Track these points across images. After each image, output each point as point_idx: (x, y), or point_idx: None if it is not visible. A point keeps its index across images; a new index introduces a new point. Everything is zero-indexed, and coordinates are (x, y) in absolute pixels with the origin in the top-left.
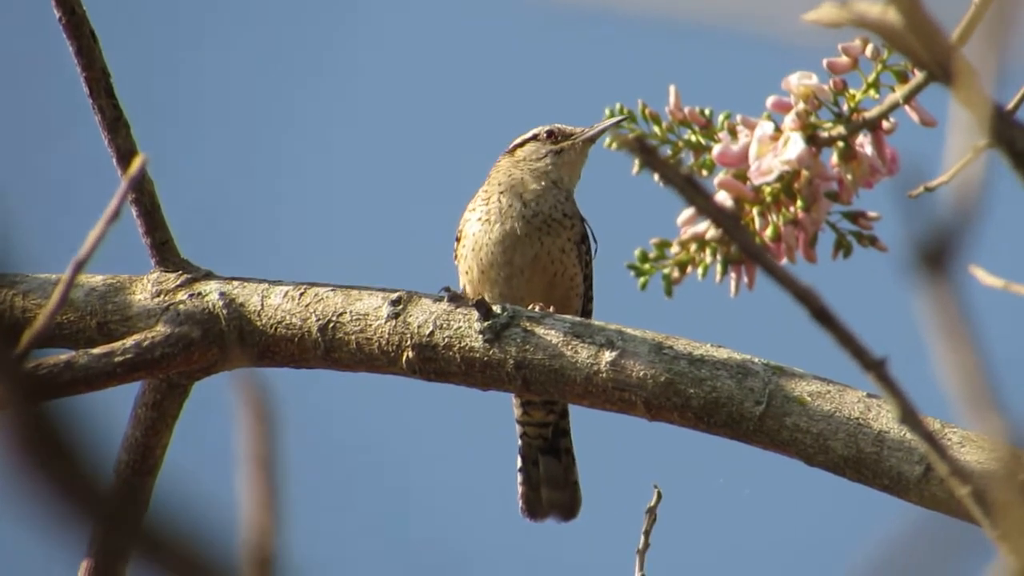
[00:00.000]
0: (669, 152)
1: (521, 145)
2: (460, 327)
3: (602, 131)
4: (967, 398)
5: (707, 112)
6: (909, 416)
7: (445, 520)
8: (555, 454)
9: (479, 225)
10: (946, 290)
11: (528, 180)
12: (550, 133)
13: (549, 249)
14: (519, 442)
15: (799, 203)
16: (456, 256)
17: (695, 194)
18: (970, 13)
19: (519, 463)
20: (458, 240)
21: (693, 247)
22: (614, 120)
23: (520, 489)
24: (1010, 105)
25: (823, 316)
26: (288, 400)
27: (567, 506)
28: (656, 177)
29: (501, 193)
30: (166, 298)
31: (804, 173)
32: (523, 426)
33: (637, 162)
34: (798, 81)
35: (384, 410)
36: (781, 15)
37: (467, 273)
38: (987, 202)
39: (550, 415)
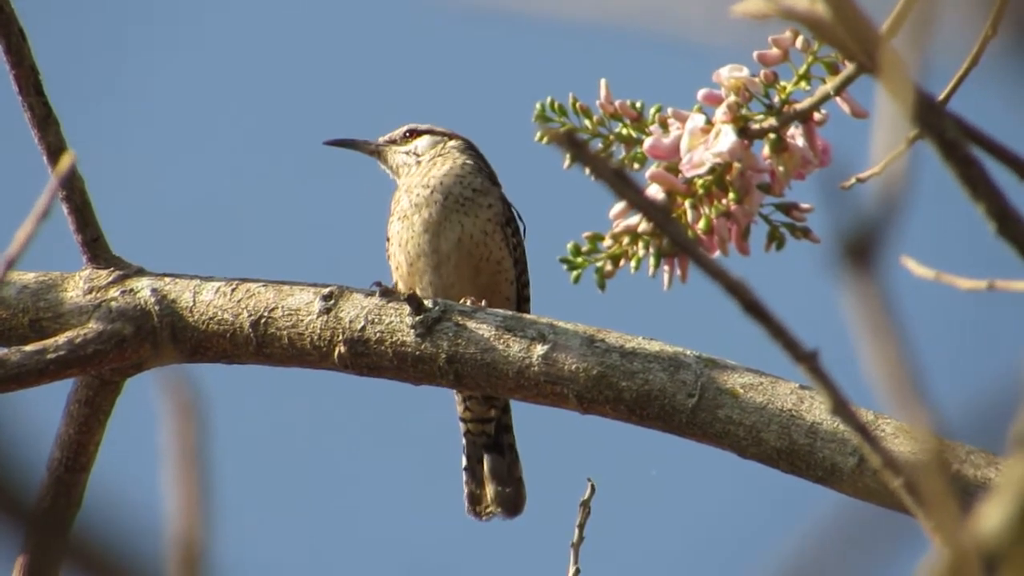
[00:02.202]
0: (600, 146)
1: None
2: (392, 322)
3: (356, 149)
4: (893, 391)
5: (638, 105)
6: (841, 408)
7: (377, 516)
8: (499, 450)
9: (400, 223)
10: (871, 283)
11: (410, 183)
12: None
13: (471, 232)
14: (463, 441)
15: (731, 195)
16: (388, 256)
17: (626, 188)
18: (900, 4)
19: (463, 462)
20: (388, 240)
21: (626, 240)
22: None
23: (465, 489)
24: (941, 95)
25: (754, 309)
26: (220, 396)
27: (512, 503)
28: (587, 171)
29: (405, 191)
30: (98, 295)
31: (736, 165)
32: (466, 423)
33: (568, 157)
34: (729, 73)
35: (327, 407)
36: (697, 15)
37: (397, 269)
38: (912, 193)
39: (491, 410)
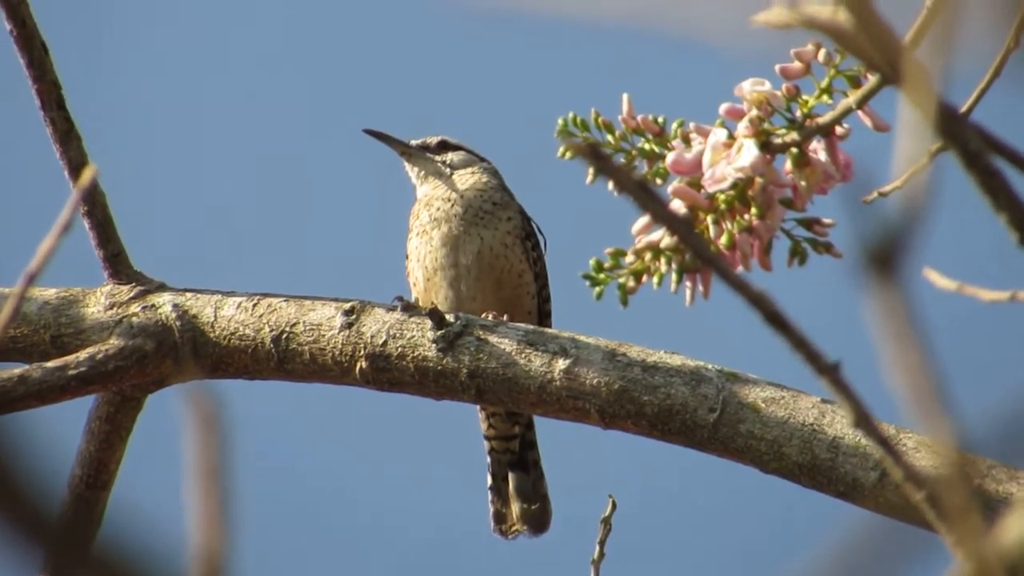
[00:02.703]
0: (623, 161)
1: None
2: (413, 336)
3: (391, 145)
4: (915, 402)
5: (660, 120)
6: (863, 421)
7: (398, 531)
8: (524, 468)
9: (419, 239)
10: (895, 294)
11: (432, 196)
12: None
13: (491, 244)
14: (487, 459)
15: (753, 210)
16: (407, 273)
17: (649, 201)
18: (922, 15)
19: (488, 480)
20: (407, 257)
21: (648, 256)
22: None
23: (491, 507)
24: (964, 107)
25: (776, 320)
26: (241, 410)
27: (538, 520)
28: (610, 185)
29: (424, 205)
30: (119, 311)
31: (758, 180)
32: (490, 440)
33: (591, 171)
34: (751, 87)
35: (349, 423)
36: (724, 23)
37: (415, 285)
38: (936, 205)
39: (515, 427)
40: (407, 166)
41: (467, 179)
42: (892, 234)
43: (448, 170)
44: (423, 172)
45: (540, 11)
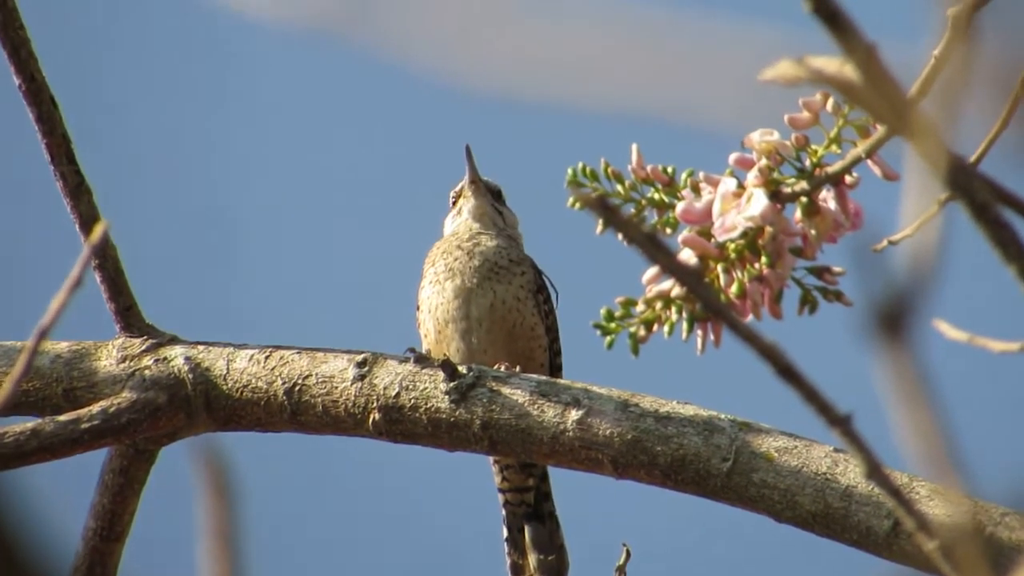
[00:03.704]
0: (632, 211)
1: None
2: (426, 388)
3: (471, 167)
4: (926, 460)
5: (670, 170)
6: (875, 472)
7: None
8: (540, 519)
9: (431, 288)
10: (903, 353)
11: (460, 239)
12: (453, 201)
13: (504, 298)
14: (503, 511)
15: (764, 259)
16: (418, 324)
17: (658, 253)
18: (929, 66)
19: (504, 532)
20: (417, 308)
21: (659, 305)
22: (466, 153)
23: (508, 559)
24: (972, 157)
25: (788, 373)
26: (252, 462)
27: (555, 571)
28: (620, 236)
29: (442, 253)
30: (131, 363)
31: (768, 229)
32: (504, 493)
33: (600, 222)
34: (760, 137)
35: (361, 474)
36: (710, 103)
37: (426, 336)
38: (944, 261)
39: (530, 479)
40: (466, 196)
41: (498, 236)
42: (901, 292)
43: (500, 219)
44: (478, 212)
45: (548, 92)
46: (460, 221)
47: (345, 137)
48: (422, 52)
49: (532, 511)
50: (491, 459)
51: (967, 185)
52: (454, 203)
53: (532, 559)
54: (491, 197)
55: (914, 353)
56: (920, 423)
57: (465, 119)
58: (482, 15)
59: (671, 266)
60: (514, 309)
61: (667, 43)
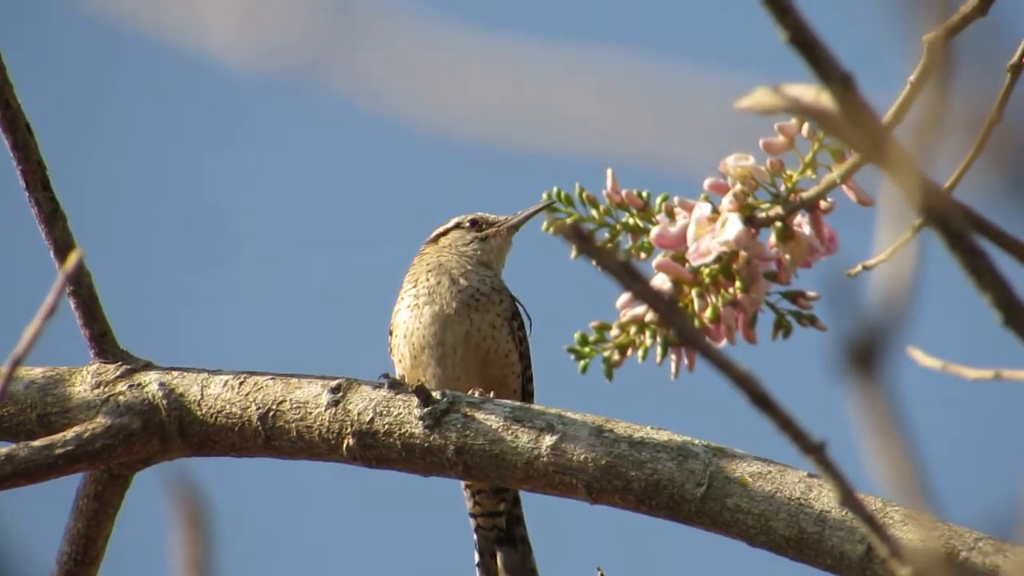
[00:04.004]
0: (607, 235)
1: (444, 234)
2: (400, 413)
3: (527, 218)
4: (899, 492)
5: (644, 195)
6: (849, 499)
7: None
8: (512, 543)
9: (408, 312)
10: (875, 388)
11: (455, 261)
12: (473, 222)
13: (479, 326)
14: (474, 536)
15: (738, 284)
16: (390, 349)
17: (632, 280)
18: (904, 92)
19: (476, 557)
20: (391, 333)
21: (633, 329)
22: (538, 207)
23: None
24: (947, 183)
25: (762, 401)
26: (224, 488)
27: None
28: (593, 263)
29: (429, 271)
30: (106, 389)
31: (742, 254)
32: (476, 518)
33: (574, 248)
34: (735, 162)
35: (334, 501)
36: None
37: (400, 361)
38: (919, 289)
39: (501, 503)
40: (492, 229)
41: (483, 269)
42: (872, 331)
43: (501, 268)
44: (497, 251)
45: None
46: (473, 248)
47: (319, 178)
48: (396, 98)
49: (504, 535)
50: (462, 484)
51: (942, 213)
52: (475, 226)
53: None
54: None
55: (886, 388)
56: (891, 457)
57: (440, 163)
58: (455, 61)
59: (645, 294)
60: (489, 336)
61: (640, 89)
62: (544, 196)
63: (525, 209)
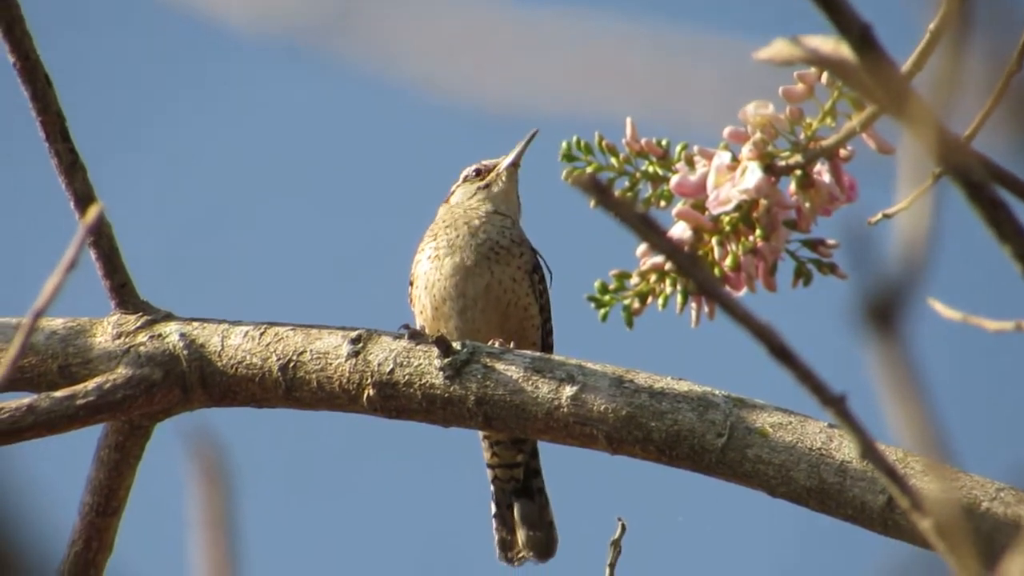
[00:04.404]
0: (627, 184)
1: (455, 191)
2: (420, 364)
3: (522, 151)
4: (917, 448)
5: (664, 143)
6: (869, 451)
7: (407, 563)
8: (529, 495)
9: (429, 263)
10: (894, 343)
11: (470, 214)
12: (477, 171)
13: (500, 278)
14: (491, 487)
15: (758, 232)
16: (411, 300)
17: (650, 232)
18: (923, 43)
19: (493, 508)
20: (411, 284)
21: (653, 278)
22: (529, 135)
23: (496, 535)
24: (965, 134)
25: (782, 353)
26: (244, 439)
27: (544, 547)
28: (612, 215)
29: (447, 227)
30: (127, 340)
31: (762, 202)
32: (494, 469)
33: (592, 200)
34: (754, 110)
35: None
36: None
37: (421, 313)
38: (938, 240)
39: (519, 455)
40: (493, 175)
41: (498, 218)
42: (893, 284)
43: (517, 210)
44: (502, 194)
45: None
46: (480, 198)
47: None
48: (402, 62)
49: (521, 487)
50: (481, 435)
51: (962, 166)
52: (479, 175)
53: (521, 535)
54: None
55: (905, 343)
56: (910, 411)
57: (446, 128)
58: (465, 25)
59: (663, 246)
60: (509, 289)
61: (653, 52)
62: (570, 142)
63: (518, 143)
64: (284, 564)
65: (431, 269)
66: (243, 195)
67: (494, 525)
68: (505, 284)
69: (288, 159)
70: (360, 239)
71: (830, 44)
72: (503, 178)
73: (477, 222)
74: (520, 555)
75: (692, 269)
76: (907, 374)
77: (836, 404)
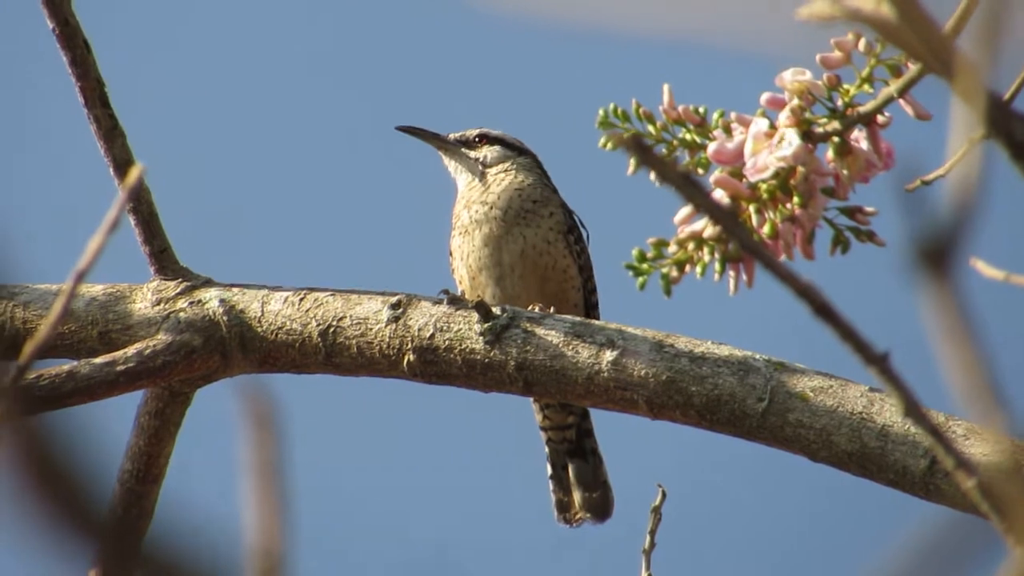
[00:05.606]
0: (664, 151)
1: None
2: (460, 329)
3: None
4: (970, 395)
5: (701, 110)
6: (913, 410)
7: (446, 521)
8: (583, 456)
9: (461, 238)
10: (947, 288)
11: (475, 195)
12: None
13: (534, 242)
14: (545, 449)
15: (796, 199)
16: (452, 270)
17: (693, 192)
18: (964, 2)
19: (549, 470)
20: (451, 255)
21: (691, 246)
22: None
23: (553, 496)
24: (1007, 95)
25: (825, 311)
26: (293, 404)
27: (601, 507)
28: (653, 176)
29: (464, 206)
30: (166, 306)
31: (800, 169)
32: (546, 431)
33: (633, 162)
34: (792, 77)
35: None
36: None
37: (460, 282)
38: (985, 197)
39: (570, 416)
40: (444, 160)
41: (502, 179)
42: (944, 231)
43: (480, 168)
44: (459, 167)
45: (578, 15)
46: (458, 182)
47: (372, 74)
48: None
49: (575, 448)
50: (532, 398)
51: (1005, 124)
52: (469, 145)
53: (577, 496)
54: (471, 146)
55: (958, 292)
56: (964, 358)
57: (497, 45)
58: None
59: (707, 206)
60: (545, 253)
61: None
62: (607, 110)
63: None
64: (333, 515)
65: (464, 242)
66: (284, 155)
67: (551, 486)
68: (540, 248)
69: (327, 114)
70: (400, 197)
71: (871, 2)
72: (450, 163)
73: (486, 196)
74: (578, 516)
75: (734, 228)
76: (960, 317)
77: (879, 362)
